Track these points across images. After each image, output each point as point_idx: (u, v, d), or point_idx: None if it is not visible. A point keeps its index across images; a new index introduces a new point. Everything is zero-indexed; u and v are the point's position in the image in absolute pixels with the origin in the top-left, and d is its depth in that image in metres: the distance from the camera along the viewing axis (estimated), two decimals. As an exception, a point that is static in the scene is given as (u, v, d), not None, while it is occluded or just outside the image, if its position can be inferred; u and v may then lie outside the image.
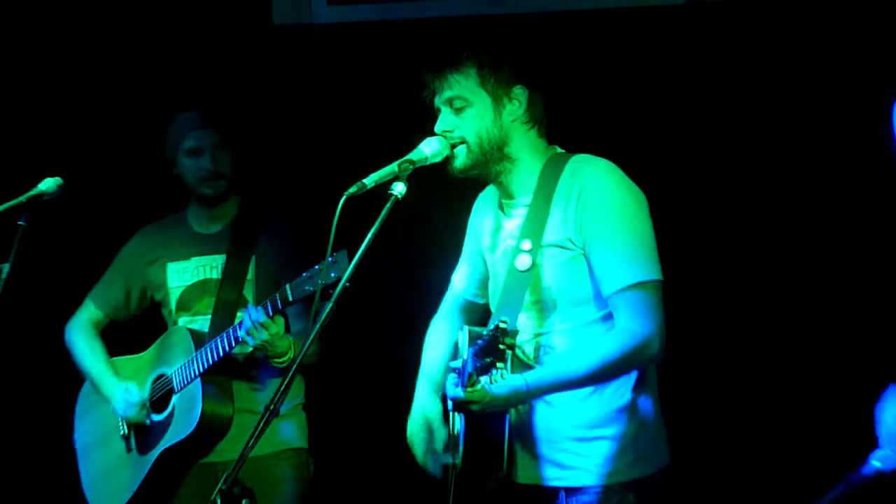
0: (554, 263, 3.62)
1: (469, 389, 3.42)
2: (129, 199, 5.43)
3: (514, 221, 3.74)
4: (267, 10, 5.51)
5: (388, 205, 3.45)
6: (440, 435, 3.90)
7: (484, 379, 3.40)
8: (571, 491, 3.63)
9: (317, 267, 4.12)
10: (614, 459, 3.65)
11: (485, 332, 3.40)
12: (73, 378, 4.94)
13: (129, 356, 4.88)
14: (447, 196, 4.00)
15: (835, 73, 5.15)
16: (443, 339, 4.05)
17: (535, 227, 3.65)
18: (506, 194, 3.74)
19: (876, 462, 3.27)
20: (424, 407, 3.95)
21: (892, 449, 3.42)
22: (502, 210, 3.77)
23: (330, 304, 3.39)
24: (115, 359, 4.84)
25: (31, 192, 4.24)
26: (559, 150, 3.77)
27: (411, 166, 3.53)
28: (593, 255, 3.56)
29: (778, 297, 5.29)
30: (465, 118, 3.65)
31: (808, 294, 5.27)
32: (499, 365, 3.34)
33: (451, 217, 4.17)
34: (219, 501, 3.36)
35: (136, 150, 5.32)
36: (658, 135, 5.37)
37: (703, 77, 5.40)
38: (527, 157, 3.70)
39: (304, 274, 4.16)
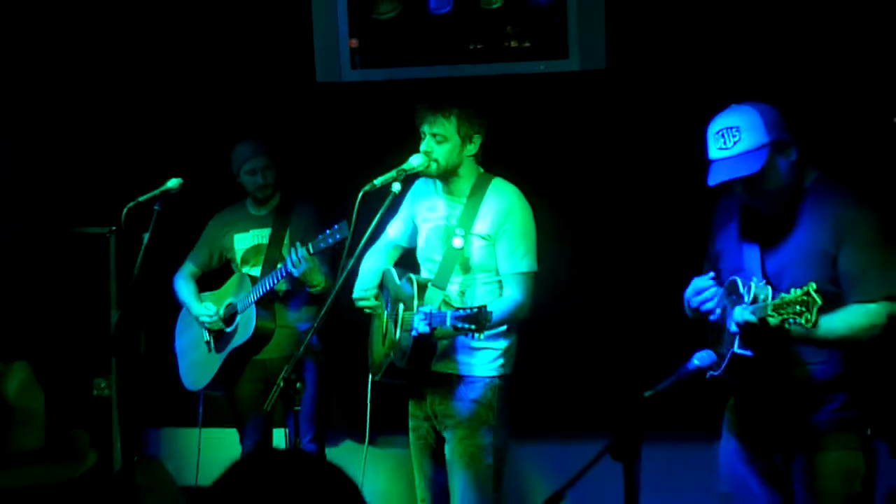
0: (476, 246, 4.77)
1: (438, 332, 4.51)
2: (212, 194, 6.26)
3: (449, 209, 4.82)
4: (311, 71, 6.51)
5: (389, 198, 4.59)
6: (381, 321, 4.90)
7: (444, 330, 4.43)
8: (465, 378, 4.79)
9: (327, 231, 5.23)
10: (492, 361, 4.81)
11: (469, 307, 4.39)
12: (177, 308, 6.14)
13: (210, 292, 6.02)
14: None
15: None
16: (375, 264, 4.99)
17: (467, 221, 4.76)
18: (448, 191, 4.85)
19: (696, 360, 3.70)
20: (364, 288, 4.93)
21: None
22: (445, 200, 4.85)
23: (352, 260, 4.57)
24: (202, 294, 6.00)
25: (162, 188, 5.41)
26: (482, 171, 4.86)
27: (404, 173, 4.65)
28: (499, 247, 4.75)
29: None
30: (441, 147, 4.72)
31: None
32: (474, 329, 4.33)
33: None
34: (282, 383, 4.31)
35: (218, 164, 6.09)
36: (551, 164, 6.29)
37: (579, 131, 6.30)
38: (467, 174, 4.83)
39: (320, 236, 5.27)
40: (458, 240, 4.75)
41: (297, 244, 5.41)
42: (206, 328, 5.92)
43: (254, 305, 5.70)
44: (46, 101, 6.91)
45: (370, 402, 5.00)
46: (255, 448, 5.37)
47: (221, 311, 5.89)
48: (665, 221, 6.18)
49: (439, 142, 4.72)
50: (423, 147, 4.75)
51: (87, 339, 6.46)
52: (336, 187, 5.67)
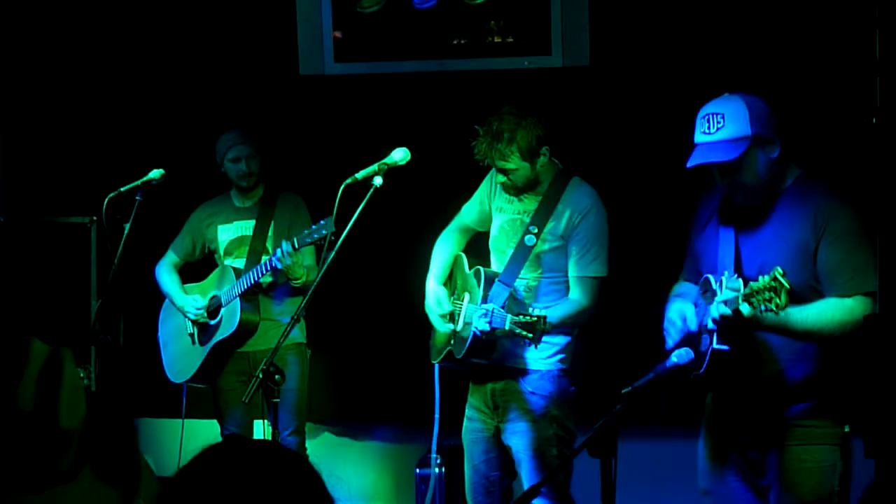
0: (548, 245, 4.81)
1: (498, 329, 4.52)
2: (194, 186, 6.24)
3: (525, 204, 4.86)
4: (295, 64, 6.50)
5: (370, 191, 4.53)
6: (445, 303, 4.92)
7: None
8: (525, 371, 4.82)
9: (313, 226, 5.22)
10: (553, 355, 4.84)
11: (529, 316, 4.42)
12: (158, 298, 6.10)
13: (194, 283, 6.00)
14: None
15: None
16: (447, 249, 5.06)
17: (541, 219, 4.79)
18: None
19: (675, 358, 3.73)
20: (434, 289, 4.96)
21: (675, 333, 4.01)
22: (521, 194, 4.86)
23: (332, 254, 4.53)
24: (185, 285, 5.97)
25: (144, 178, 5.46)
26: (561, 167, 4.87)
27: (386, 167, 4.61)
28: (570, 248, 4.78)
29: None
30: (515, 176, 4.79)
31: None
32: (531, 337, 4.42)
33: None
34: (261, 375, 4.33)
35: (201, 155, 6.10)
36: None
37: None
38: (545, 173, 4.87)
39: (305, 231, 5.28)
40: (530, 237, 4.79)
41: (283, 241, 5.42)
42: (190, 321, 5.92)
43: (238, 298, 5.71)
44: (28, 91, 6.91)
45: (438, 392, 5.07)
46: (224, 438, 5.29)
47: (205, 304, 5.90)
48: (647, 218, 6.20)
49: (510, 173, 4.79)
50: (498, 178, 4.85)
51: (68, 329, 6.42)
52: (319, 180, 5.67)
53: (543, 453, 4.79)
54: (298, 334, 5.86)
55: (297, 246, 5.33)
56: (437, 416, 5.07)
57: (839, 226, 3.86)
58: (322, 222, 5.15)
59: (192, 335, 5.95)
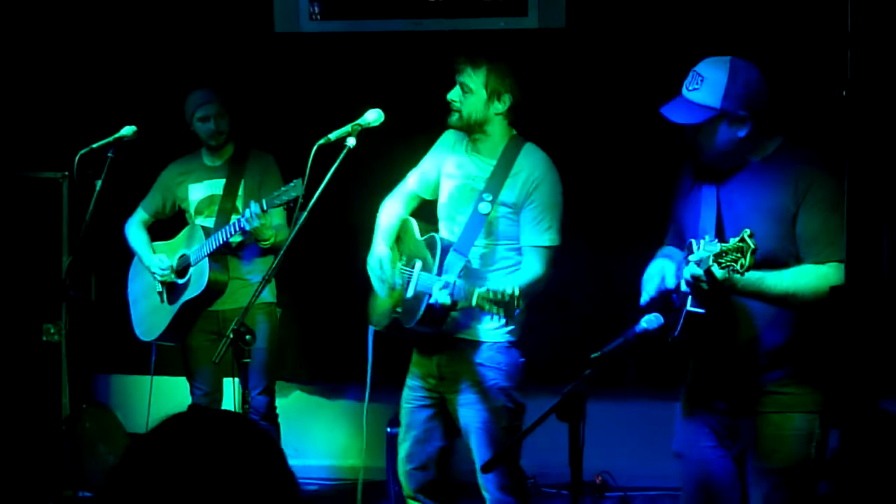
0: (502, 213, 4.70)
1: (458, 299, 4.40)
2: (166, 143, 6.27)
3: (477, 169, 4.75)
4: (270, 21, 6.59)
5: (343, 152, 4.49)
6: (388, 269, 4.81)
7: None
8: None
9: (283, 188, 5.23)
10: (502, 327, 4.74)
11: (502, 290, 4.23)
12: (129, 255, 6.09)
13: (163, 241, 6.01)
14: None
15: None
16: (394, 212, 4.95)
17: (494, 186, 4.69)
18: (476, 150, 4.78)
19: (644, 323, 3.72)
20: (381, 252, 4.86)
21: (652, 288, 3.99)
22: (471, 159, 4.79)
23: (304, 214, 4.48)
24: (154, 243, 6.00)
25: (117, 135, 5.40)
26: (515, 133, 4.76)
27: (359, 128, 4.55)
28: (523, 216, 4.68)
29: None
30: (466, 98, 4.67)
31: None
32: (502, 313, 4.26)
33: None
34: (231, 335, 4.33)
35: (173, 113, 6.06)
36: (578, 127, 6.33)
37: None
38: (497, 135, 4.74)
39: (275, 192, 5.27)
40: (484, 205, 4.69)
41: (252, 202, 5.41)
42: (158, 280, 5.95)
43: (207, 258, 5.73)
44: (-1, 46, 6.87)
45: (371, 355, 5.05)
46: (188, 408, 5.32)
47: (174, 263, 5.91)
48: (623, 182, 6.26)
49: (466, 93, 4.68)
50: (450, 95, 4.71)
51: (38, 285, 6.48)
52: (292, 139, 5.63)
53: (493, 425, 4.72)
54: (268, 294, 5.88)
55: (266, 207, 5.31)
56: (368, 381, 5.04)
57: (819, 193, 3.84)
58: (292, 183, 5.14)
59: (161, 294, 5.96)
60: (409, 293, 4.70)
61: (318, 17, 6.53)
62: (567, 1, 6.26)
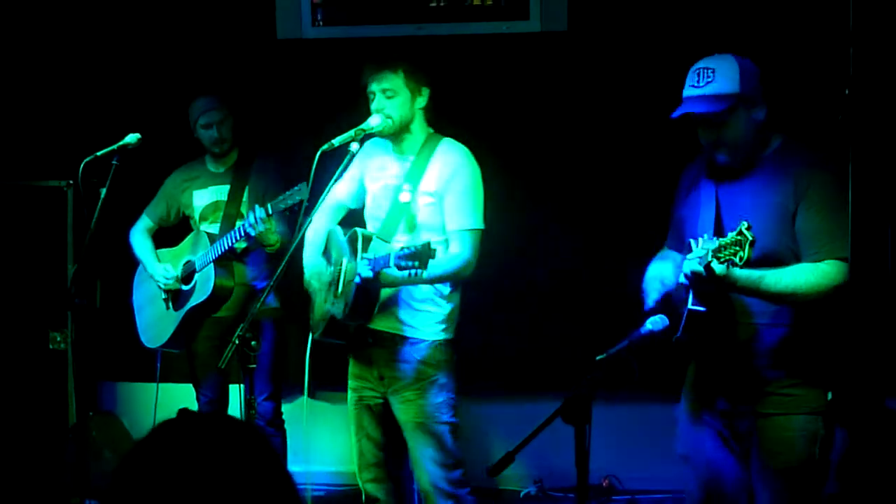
0: (422, 203, 4.74)
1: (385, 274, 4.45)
2: (171, 150, 6.23)
3: (399, 168, 4.80)
4: (272, 28, 6.56)
5: (347, 157, 4.56)
6: (325, 278, 4.86)
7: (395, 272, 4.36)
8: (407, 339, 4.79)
9: (287, 192, 5.17)
10: (436, 325, 4.82)
11: (414, 245, 4.30)
12: (134, 262, 6.08)
13: (167, 248, 6.00)
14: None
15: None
16: (320, 225, 4.96)
17: (414, 178, 4.74)
18: (398, 150, 4.82)
19: (649, 325, 3.72)
20: (314, 263, 4.94)
21: (654, 292, 4.00)
22: (396, 158, 4.83)
23: (309, 219, 4.59)
24: (159, 250, 5.98)
25: (121, 143, 5.38)
26: (433, 131, 4.85)
27: (363, 133, 4.63)
28: (445, 203, 4.71)
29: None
30: (392, 102, 4.72)
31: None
32: (418, 266, 4.28)
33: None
34: (236, 341, 4.32)
35: (177, 120, 6.06)
36: (511, 124, 6.38)
37: (532, 93, 6.35)
38: (417, 132, 4.82)
39: (280, 197, 5.23)
40: (405, 195, 4.73)
41: (256, 206, 5.40)
42: (162, 287, 5.95)
43: (212, 264, 5.71)
44: (3, 54, 6.86)
45: (309, 360, 5.02)
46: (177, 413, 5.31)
47: (179, 271, 5.90)
48: (624, 185, 6.25)
49: (390, 97, 4.72)
50: (374, 106, 4.73)
51: (44, 293, 6.47)
52: (295, 145, 5.64)
53: (434, 420, 4.79)
54: (273, 300, 5.85)
55: (270, 212, 5.30)
56: (306, 390, 5.06)
57: (819, 192, 3.86)
58: (297, 188, 5.12)
59: (166, 300, 5.95)
60: (340, 288, 4.71)
61: (321, 23, 6.51)
62: (569, 4, 6.26)
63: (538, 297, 6.43)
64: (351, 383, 5.00)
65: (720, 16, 6.04)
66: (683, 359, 4.24)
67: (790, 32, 5.90)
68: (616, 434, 6.09)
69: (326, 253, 4.97)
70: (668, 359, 4.05)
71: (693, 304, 3.80)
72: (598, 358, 3.59)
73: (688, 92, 3.98)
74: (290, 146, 6.08)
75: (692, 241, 3.90)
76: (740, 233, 3.53)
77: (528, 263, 6.22)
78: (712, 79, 3.91)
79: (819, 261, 3.83)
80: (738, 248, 3.52)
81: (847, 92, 2.91)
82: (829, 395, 3.81)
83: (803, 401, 3.97)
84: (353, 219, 5.06)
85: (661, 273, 4.04)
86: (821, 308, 3.83)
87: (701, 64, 3.99)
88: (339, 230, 4.95)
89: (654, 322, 3.73)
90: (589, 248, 6.29)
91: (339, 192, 5.02)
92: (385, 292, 4.72)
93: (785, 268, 3.82)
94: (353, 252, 4.69)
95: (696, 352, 4.15)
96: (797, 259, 3.87)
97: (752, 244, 3.50)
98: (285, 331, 5.99)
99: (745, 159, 4.02)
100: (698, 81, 3.95)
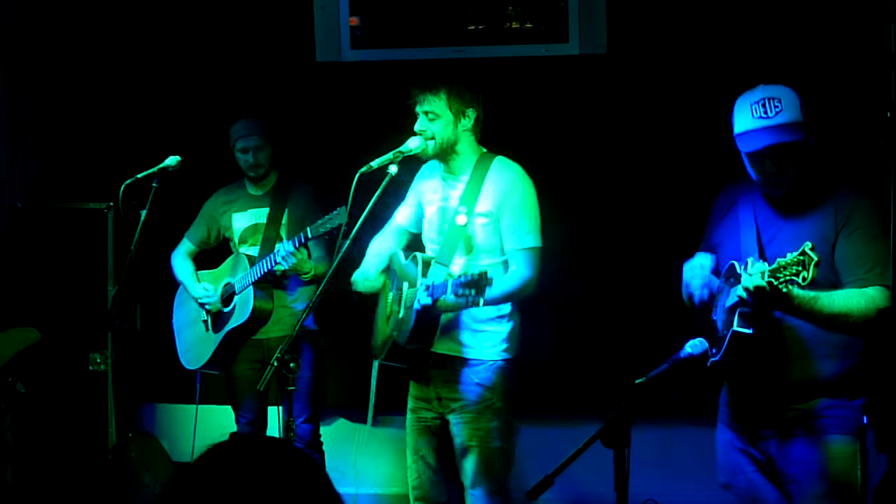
0: (479, 225, 4.75)
1: (440, 301, 4.42)
2: (210, 173, 6.29)
3: (453, 191, 4.82)
4: (311, 51, 6.56)
5: (385, 180, 4.57)
6: (387, 301, 4.89)
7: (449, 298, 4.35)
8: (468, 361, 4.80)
9: (326, 216, 5.15)
10: (497, 345, 4.84)
11: (471, 272, 4.28)
12: (174, 284, 6.13)
13: (208, 271, 6.04)
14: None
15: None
16: (383, 247, 5.04)
17: (469, 200, 4.75)
18: (449, 171, 4.85)
19: (689, 348, 3.75)
20: (366, 274, 4.99)
21: (699, 280, 4.01)
22: (444, 180, 4.87)
23: (347, 243, 4.54)
24: (199, 272, 6.02)
25: (161, 165, 5.47)
26: (485, 151, 4.87)
27: (401, 155, 4.65)
28: (502, 223, 4.71)
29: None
30: (434, 124, 4.76)
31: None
32: (475, 293, 4.27)
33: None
34: (275, 363, 4.37)
35: (217, 142, 6.09)
36: (551, 146, 6.35)
37: (579, 113, 6.37)
38: (467, 153, 4.83)
39: (319, 221, 5.20)
40: (461, 217, 4.73)
41: (284, 240, 5.42)
42: (204, 309, 5.96)
43: (251, 286, 5.74)
44: (46, 78, 6.92)
45: (374, 385, 5.09)
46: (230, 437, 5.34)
47: (219, 292, 5.93)
48: (663, 207, 6.23)
49: (432, 119, 4.74)
50: (417, 127, 4.76)
51: (84, 315, 6.49)
52: (334, 168, 5.64)
53: (486, 445, 4.78)
54: (312, 322, 5.86)
55: (311, 236, 5.28)
56: (370, 413, 5.16)
57: (859, 219, 3.86)
58: (336, 211, 5.10)
59: (205, 322, 5.97)
60: (401, 312, 4.73)
61: (359, 46, 6.53)
62: (608, 27, 6.25)
63: (578, 319, 6.43)
64: (410, 404, 5.01)
65: (759, 39, 6.04)
66: (717, 381, 4.24)
67: (831, 57, 5.88)
68: (653, 456, 6.08)
69: (388, 276, 5.02)
70: (704, 381, 4.04)
71: (738, 326, 3.76)
72: (637, 381, 3.58)
73: (755, 124, 3.92)
74: (329, 168, 6.12)
75: (735, 264, 3.87)
76: (803, 252, 3.52)
77: (566, 284, 6.15)
78: (781, 108, 3.88)
79: (864, 287, 3.82)
80: (800, 269, 3.50)
81: (889, 115, 2.87)
82: (864, 420, 3.95)
83: (847, 425, 3.96)
84: (415, 243, 5.11)
85: (701, 263, 4.04)
86: (865, 332, 3.84)
87: (764, 94, 3.94)
88: (400, 254, 4.99)
89: (694, 346, 3.74)
90: (626, 268, 6.28)
91: (399, 218, 5.11)
92: (446, 315, 4.73)
93: (837, 291, 3.81)
94: (414, 277, 4.71)
95: (737, 376, 4.12)
96: (833, 288, 3.84)
97: (816, 265, 3.48)
98: (324, 353, 6.00)
99: (796, 183, 4.00)
100: (766, 112, 3.90)
